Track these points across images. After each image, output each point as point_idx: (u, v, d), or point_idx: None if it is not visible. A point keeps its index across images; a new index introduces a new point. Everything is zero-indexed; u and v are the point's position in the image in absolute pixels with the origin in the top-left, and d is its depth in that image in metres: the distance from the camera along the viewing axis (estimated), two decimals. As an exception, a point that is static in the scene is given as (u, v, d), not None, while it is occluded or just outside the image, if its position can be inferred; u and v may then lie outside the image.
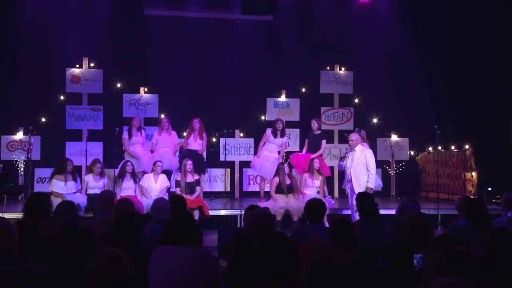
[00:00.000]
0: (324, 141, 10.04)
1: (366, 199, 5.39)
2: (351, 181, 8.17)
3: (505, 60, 11.59)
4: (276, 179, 9.17)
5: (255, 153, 10.44)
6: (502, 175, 10.75)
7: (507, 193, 5.49)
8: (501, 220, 5.28)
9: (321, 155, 9.96)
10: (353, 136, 8.37)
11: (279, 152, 10.06)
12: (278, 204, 8.81)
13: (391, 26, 12.11)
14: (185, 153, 9.71)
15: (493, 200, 9.54)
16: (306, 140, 10.15)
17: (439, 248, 3.22)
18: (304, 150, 10.08)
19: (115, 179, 9.14)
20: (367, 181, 8.08)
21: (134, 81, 11.70)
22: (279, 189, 9.08)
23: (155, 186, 9.07)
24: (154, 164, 9.22)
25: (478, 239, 3.87)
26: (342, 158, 8.39)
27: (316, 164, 9.26)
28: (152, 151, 9.98)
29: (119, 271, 2.64)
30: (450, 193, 11.09)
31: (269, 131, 10.02)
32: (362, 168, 8.09)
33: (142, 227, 4.26)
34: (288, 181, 9.11)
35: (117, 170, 9.40)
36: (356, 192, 7.96)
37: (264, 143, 10.02)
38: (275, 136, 9.89)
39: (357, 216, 6.48)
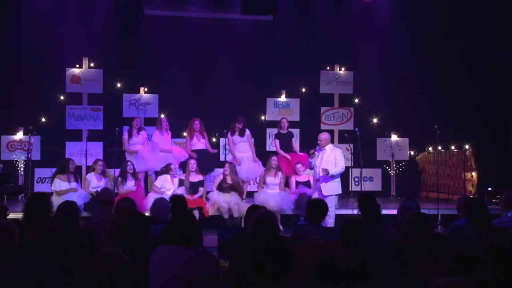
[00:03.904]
0: (293, 139, 9.97)
1: (368, 199, 5.38)
2: (319, 180, 8.11)
3: (505, 60, 11.58)
4: (220, 176, 9.19)
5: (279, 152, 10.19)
6: (502, 175, 10.76)
7: (507, 193, 5.48)
8: (501, 220, 5.27)
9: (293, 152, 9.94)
10: (322, 136, 8.32)
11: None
12: (219, 200, 8.76)
13: (391, 26, 12.12)
14: (199, 154, 9.60)
15: (493, 200, 9.53)
16: (277, 140, 9.96)
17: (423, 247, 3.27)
18: (278, 149, 9.85)
19: (115, 180, 9.14)
20: (332, 168, 7.93)
21: (134, 81, 11.70)
22: (221, 187, 9.02)
23: (173, 188, 9.01)
24: (168, 166, 9.15)
25: (478, 239, 3.87)
26: (311, 155, 8.31)
27: (274, 162, 9.17)
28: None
29: (119, 271, 2.64)
30: (450, 193, 11.08)
31: (229, 134, 9.82)
32: (331, 168, 8.01)
33: (149, 228, 4.24)
34: (229, 180, 9.04)
35: (117, 170, 9.42)
36: (324, 193, 7.92)
37: (234, 146, 9.86)
38: (232, 134, 9.72)
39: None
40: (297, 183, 9.37)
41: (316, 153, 8.21)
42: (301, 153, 9.75)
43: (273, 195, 8.93)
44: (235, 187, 9.01)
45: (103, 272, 2.61)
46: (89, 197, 8.79)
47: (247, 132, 9.79)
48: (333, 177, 7.99)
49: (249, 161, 9.63)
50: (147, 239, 4.07)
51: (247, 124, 9.96)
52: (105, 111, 11.31)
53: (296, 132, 11.59)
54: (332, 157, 8.08)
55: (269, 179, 9.09)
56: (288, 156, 9.66)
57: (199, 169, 9.38)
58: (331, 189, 8.03)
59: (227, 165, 9.22)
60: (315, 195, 8.15)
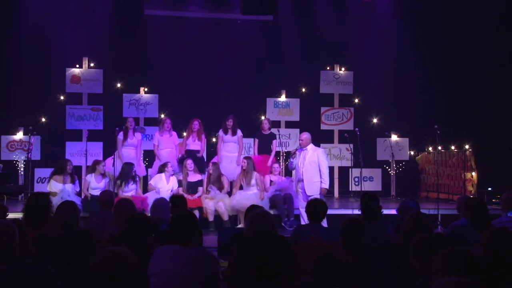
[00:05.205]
0: (274, 141, 9.83)
1: (370, 199, 5.37)
2: (302, 180, 8.09)
3: (505, 60, 11.58)
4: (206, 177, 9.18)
5: (255, 153, 10.28)
6: (502, 175, 10.75)
7: (507, 193, 5.48)
8: (501, 220, 5.27)
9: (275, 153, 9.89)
10: (303, 135, 8.30)
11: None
12: (208, 204, 8.75)
13: (391, 26, 12.13)
14: (184, 154, 9.67)
15: (493, 200, 9.52)
16: (256, 140, 9.91)
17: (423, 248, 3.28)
18: (256, 149, 9.85)
19: (115, 182, 9.11)
20: (321, 182, 8.01)
21: (134, 81, 11.70)
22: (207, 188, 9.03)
23: (167, 187, 9.00)
24: (165, 165, 9.18)
25: (478, 239, 3.87)
26: (293, 155, 8.25)
27: (243, 165, 9.09)
28: (154, 152, 9.94)
29: (126, 270, 2.63)
30: (450, 193, 11.09)
31: (220, 131, 9.80)
32: (314, 167, 8.02)
33: (152, 229, 4.24)
34: (211, 179, 9.01)
35: (117, 170, 9.42)
36: (308, 193, 7.92)
37: (222, 144, 9.78)
38: (225, 133, 9.69)
39: (305, 218, 6.44)
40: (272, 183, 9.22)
41: (297, 153, 8.19)
42: (275, 165, 9.64)
43: (247, 194, 8.85)
44: (215, 182, 8.96)
45: (110, 270, 2.60)
46: (85, 200, 8.77)
47: (239, 133, 9.75)
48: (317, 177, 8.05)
49: (233, 163, 9.52)
50: (150, 239, 4.08)
51: (241, 123, 9.96)
52: (105, 111, 11.31)
53: (296, 132, 11.62)
54: (315, 157, 8.07)
55: (243, 182, 9.07)
56: (252, 158, 9.56)
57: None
58: (315, 189, 8.04)
59: (210, 163, 9.23)
60: (300, 197, 8.17)
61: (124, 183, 8.96)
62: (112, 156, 9.52)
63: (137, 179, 9.26)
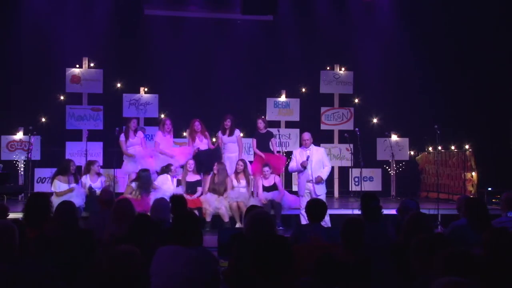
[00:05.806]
0: (273, 140, 9.75)
1: (370, 199, 5.37)
2: (311, 181, 8.13)
3: (505, 60, 11.58)
4: (209, 177, 9.16)
5: (255, 154, 10.27)
6: (502, 175, 10.75)
7: (507, 193, 5.48)
8: (501, 220, 5.27)
9: (276, 152, 9.86)
10: (307, 135, 8.34)
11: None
12: (209, 204, 8.75)
13: (391, 26, 12.13)
14: (201, 154, 9.53)
15: (493, 200, 9.52)
16: (255, 140, 9.80)
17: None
18: (255, 147, 9.73)
19: (135, 190, 8.81)
20: (321, 172, 8.15)
21: (134, 81, 11.71)
22: (210, 188, 9.03)
23: (172, 188, 8.92)
24: (168, 166, 9.15)
25: (478, 239, 3.87)
26: (304, 166, 8.14)
27: (238, 166, 9.11)
28: (158, 151, 9.91)
29: (135, 267, 2.63)
30: (450, 193, 11.09)
31: (219, 133, 9.78)
32: (320, 166, 8.18)
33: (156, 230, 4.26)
34: (216, 180, 9.01)
35: (117, 170, 9.40)
36: (317, 193, 8.01)
37: (223, 145, 9.76)
38: (223, 133, 9.68)
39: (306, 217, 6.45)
40: (264, 188, 9.14)
41: (308, 155, 8.18)
42: (278, 154, 9.77)
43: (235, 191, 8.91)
44: (217, 188, 8.94)
45: (120, 269, 2.59)
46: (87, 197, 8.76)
47: (237, 132, 9.72)
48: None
49: (235, 163, 9.47)
50: (152, 239, 4.08)
51: (241, 123, 9.93)
52: (105, 111, 11.32)
53: (296, 132, 11.63)
54: (320, 156, 8.25)
55: (234, 182, 9.04)
56: (263, 155, 9.55)
57: (202, 169, 9.36)
58: (323, 188, 8.24)
59: (216, 164, 9.22)
60: (305, 198, 8.10)
61: (145, 192, 8.76)
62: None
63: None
